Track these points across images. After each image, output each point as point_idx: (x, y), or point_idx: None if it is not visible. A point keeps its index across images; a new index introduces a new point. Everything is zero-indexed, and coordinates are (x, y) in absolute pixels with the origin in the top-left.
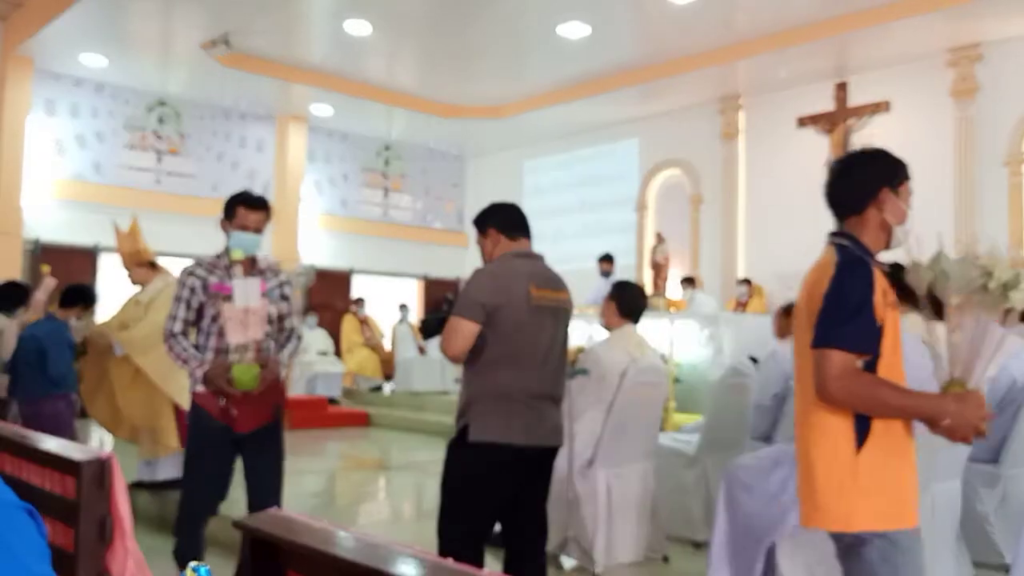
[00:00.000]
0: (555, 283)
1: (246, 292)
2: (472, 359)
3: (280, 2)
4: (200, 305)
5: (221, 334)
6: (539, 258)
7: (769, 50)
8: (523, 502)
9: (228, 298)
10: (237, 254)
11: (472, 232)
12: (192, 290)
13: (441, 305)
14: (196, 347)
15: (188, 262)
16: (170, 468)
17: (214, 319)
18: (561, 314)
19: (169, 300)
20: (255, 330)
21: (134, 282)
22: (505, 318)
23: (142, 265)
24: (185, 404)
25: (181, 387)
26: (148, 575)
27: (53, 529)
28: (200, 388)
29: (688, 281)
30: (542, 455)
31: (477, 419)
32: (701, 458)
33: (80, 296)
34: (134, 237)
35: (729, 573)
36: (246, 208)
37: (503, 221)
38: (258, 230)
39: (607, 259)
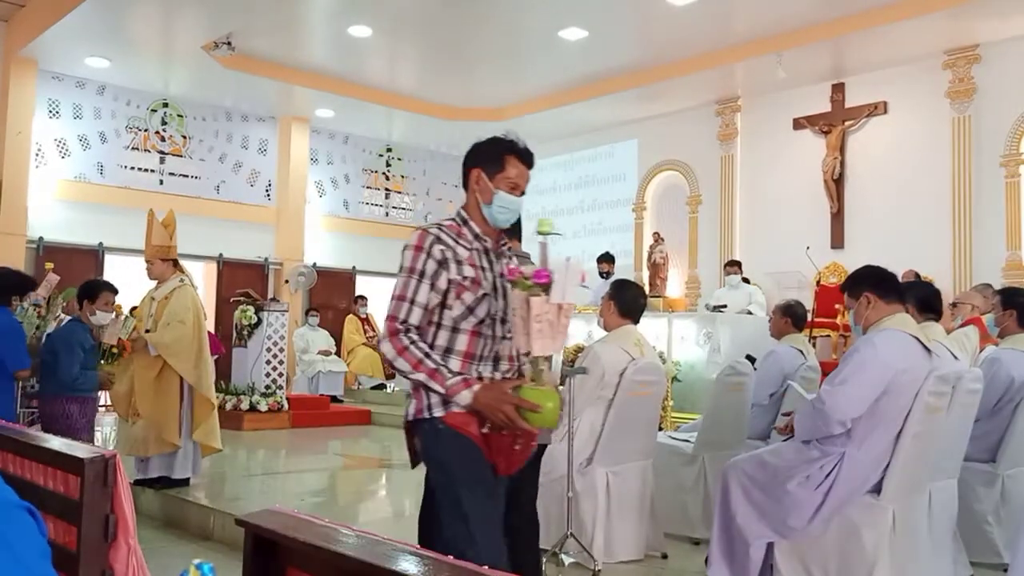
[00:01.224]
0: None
1: (565, 281)
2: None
3: (281, 4)
4: (445, 288)
5: (478, 335)
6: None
7: (766, 52)
8: (519, 502)
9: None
10: (502, 222)
11: None
12: (441, 263)
13: None
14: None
15: (186, 263)
16: (164, 466)
17: (470, 311)
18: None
19: (185, 300)
20: (558, 338)
21: (152, 276)
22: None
23: (167, 261)
24: (214, 401)
25: (210, 389)
26: (147, 574)
27: (56, 527)
28: (455, 409)
29: (734, 264)
30: (536, 451)
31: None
32: (699, 456)
33: (95, 288)
34: (170, 231)
35: (727, 570)
36: (518, 159)
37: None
38: (522, 192)
39: (607, 259)
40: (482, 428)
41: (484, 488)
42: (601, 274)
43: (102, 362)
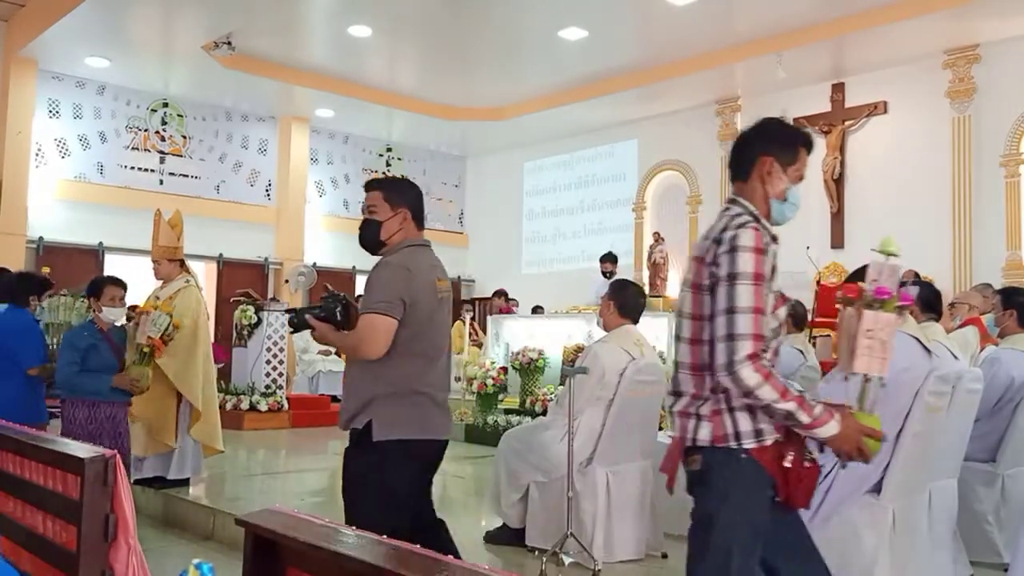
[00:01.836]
0: (445, 273)
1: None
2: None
3: (281, 4)
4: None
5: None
6: (431, 246)
7: (766, 52)
8: (426, 502)
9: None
10: (783, 222)
11: (472, 232)
12: (773, 269)
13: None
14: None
15: (188, 263)
16: (159, 466)
17: (780, 326)
18: (449, 305)
19: (189, 300)
20: (886, 358)
21: (159, 276)
22: (420, 313)
23: (174, 261)
24: (199, 406)
25: (193, 388)
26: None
27: (56, 527)
28: (768, 441)
29: None
30: (442, 449)
31: (386, 417)
32: None
33: (99, 284)
34: (177, 231)
35: None
36: (806, 154)
37: (419, 207)
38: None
39: (609, 259)
40: (783, 462)
41: (759, 541)
42: (604, 274)
43: (135, 363)
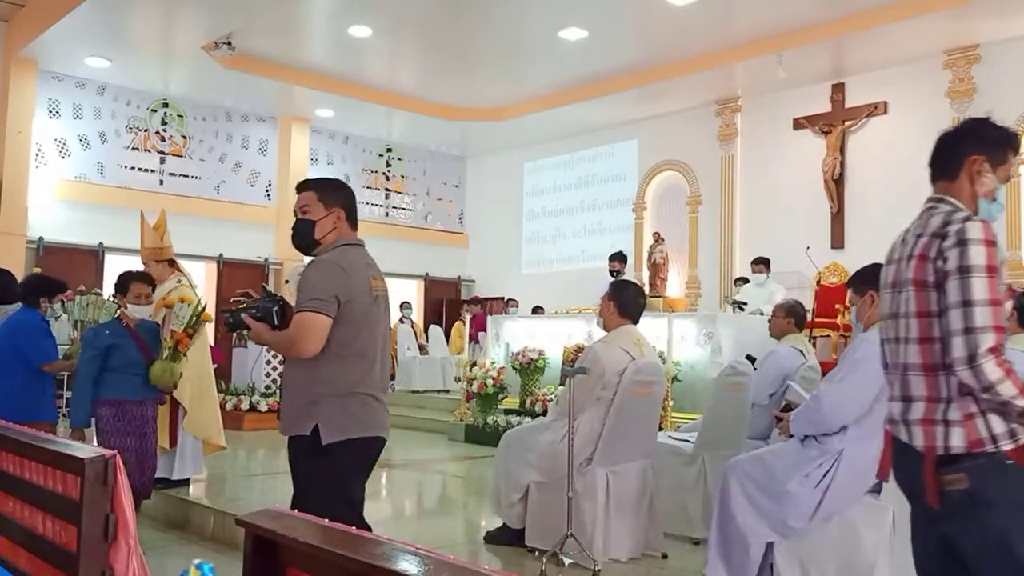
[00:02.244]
0: (380, 273)
1: None
2: (318, 354)
3: (281, 4)
4: None
5: None
6: (364, 246)
7: (766, 52)
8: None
9: None
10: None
11: (472, 232)
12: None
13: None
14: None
15: (187, 263)
16: (161, 467)
17: None
18: (386, 303)
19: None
20: None
21: None
22: (355, 311)
23: (161, 262)
24: (187, 404)
25: (180, 388)
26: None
27: (56, 527)
28: (1021, 440)
29: (759, 262)
30: (383, 446)
31: (330, 419)
32: (699, 456)
33: (125, 280)
34: (160, 233)
35: (725, 570)
36: (1015, 153)
37: (352, 207)
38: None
39: (619, 258)
40: None
41: None
42: (612, 273)
43: (165, 360)
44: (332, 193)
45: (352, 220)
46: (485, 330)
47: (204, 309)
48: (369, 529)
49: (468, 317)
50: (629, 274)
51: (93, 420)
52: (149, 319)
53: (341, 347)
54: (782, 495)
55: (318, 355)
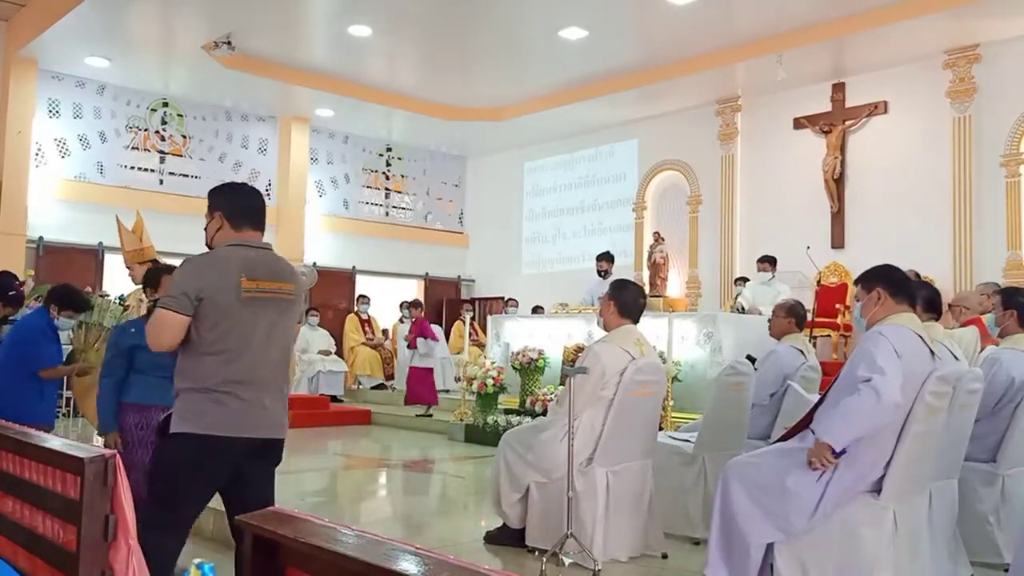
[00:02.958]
0: (276, 274)
1: None
2: (182, 350)
3: (281, 4)
4: None
5: None
6: (263, 248)
7: (766, 52)
8: (252, 492)
9: None
10: None
11: (472, 232)
12: None
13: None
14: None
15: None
16: None
17: None
18: (284, 305)
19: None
20: None
21: (136, 281)
22: (213, 309)
23: (144, 263)
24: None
25: None
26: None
27: (56, 527)
28: None
29: (764, 261)
30: (264, 446)
31: (181, 411)
32: (700, 456)
33: (155, 275)
34: (138, 235)
35: (726, 571)
36: None
37: (232, 209)
38: None
39: (606, 258)
40: None
41: None
42: (599, 272)
43: None
44: (213, 198)
45: (237, 219)
46: (428, 336)
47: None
48: (184, 527)
49: (468, 317)
50: (629, 274)
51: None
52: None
53: (200, 343)
54: (783, 493)
55: (183, 350)
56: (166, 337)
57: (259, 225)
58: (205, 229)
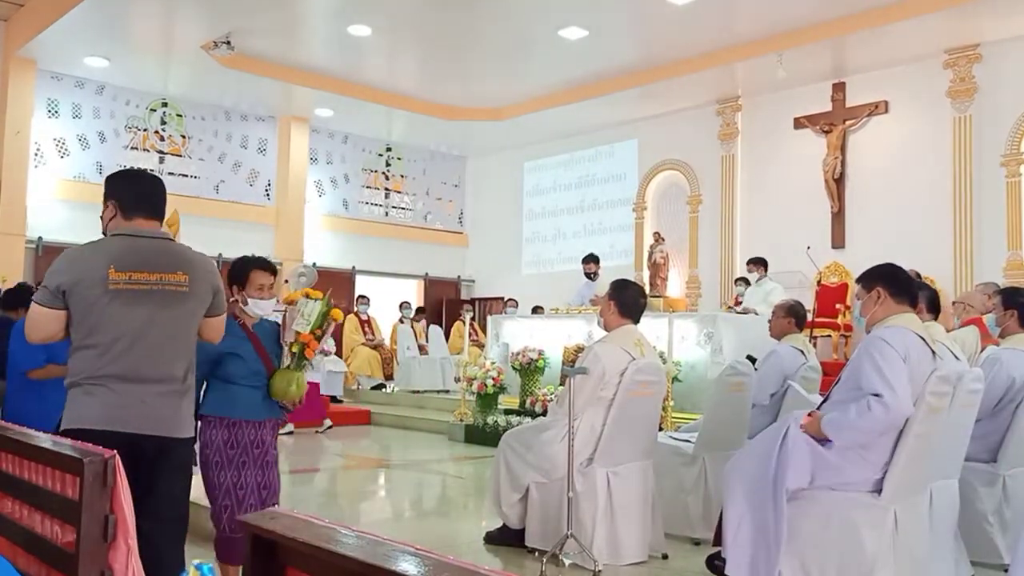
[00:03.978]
0: (159, 265)
1: None
2: (69, 345)
3: (281, 4)
4: None
5: None
6: (155, 237)
7: (766, 52)
8: (149, 489)
9: None
10: None
11: (472, 232)
12: None
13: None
14: None
15: None
16: None
17: None
18: (169, 297)
19: None
20: None
21: None
22: (78, 301)
23: None
24: None
25: None
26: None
27: (55, 527)
28: None
29: (758, 262)
30: (156, 447)
31: (65, 407)
32: (700, 457)
33: (243, 268)
34: (173, 231)
35: (747, 570)
36: None
37: (125, 197)
38: None
39: (592, 259)
40: None
41: None
42: (587, 275)
43: (288, 369)
44: (107, 186)
45: (128, 208)
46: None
47: (333, 306)
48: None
49: (468, 317)
50: (629, 274)
51: (197, 445)
52: (270, 319)
53: (74, 337)
54: (777, 456)
55: (71, 346)
56: (36, 330)
57: (153, 213)
58: (101, 217)
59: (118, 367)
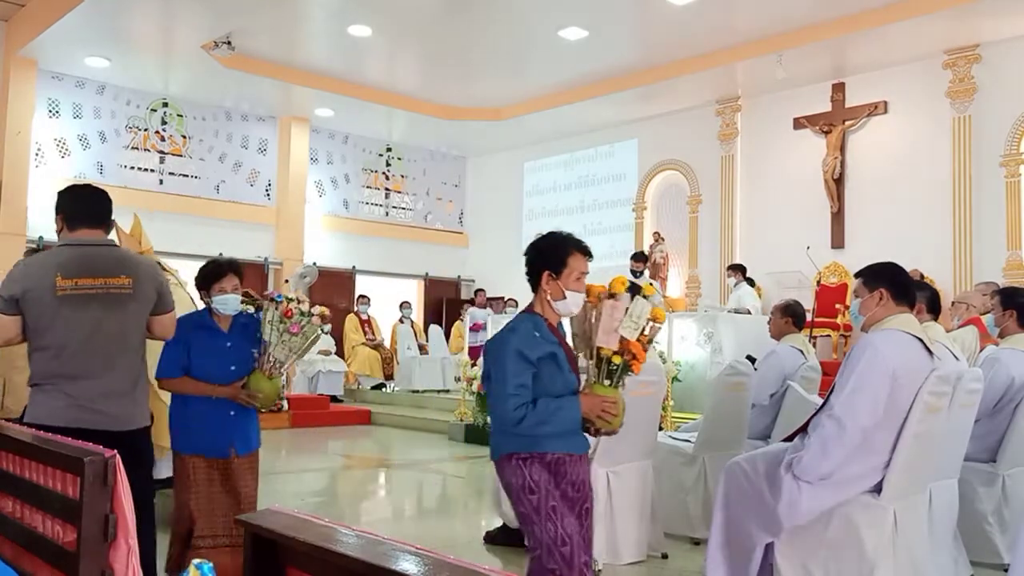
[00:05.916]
0: (102, 270)
1: None
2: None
3: (281, 4)
4: None
5: None
6: (99, 244)
7: (766, 52)
8: None
9: None
10: None
11: (472, 232)
12: None
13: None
14: None
15: (186, 263)
16: (164, 468)
17: None
18: (114, 299)
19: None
20: None
21: None
22: (32, 308)
23: None
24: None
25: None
26: None
27: (56, 527)
28: None
29: (737, 268)
30: (111, 438)
31: (28, 404)
32: (700, 456)
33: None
34: (136, 238)
35: (726, 571)
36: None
37: (69, 210)
38: None
39: (640, 258)
40: None
41: None
42: (633, 273)
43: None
44: (57, 201)
45: (74, 220)
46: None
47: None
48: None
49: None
50: (627, 273)
51: (503, 488)
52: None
53: (29, 341)
54: (783, 495)
55: (29, 350)
56: None
57: (95, 223)
58: (57, 232)
59: (70, 367)
